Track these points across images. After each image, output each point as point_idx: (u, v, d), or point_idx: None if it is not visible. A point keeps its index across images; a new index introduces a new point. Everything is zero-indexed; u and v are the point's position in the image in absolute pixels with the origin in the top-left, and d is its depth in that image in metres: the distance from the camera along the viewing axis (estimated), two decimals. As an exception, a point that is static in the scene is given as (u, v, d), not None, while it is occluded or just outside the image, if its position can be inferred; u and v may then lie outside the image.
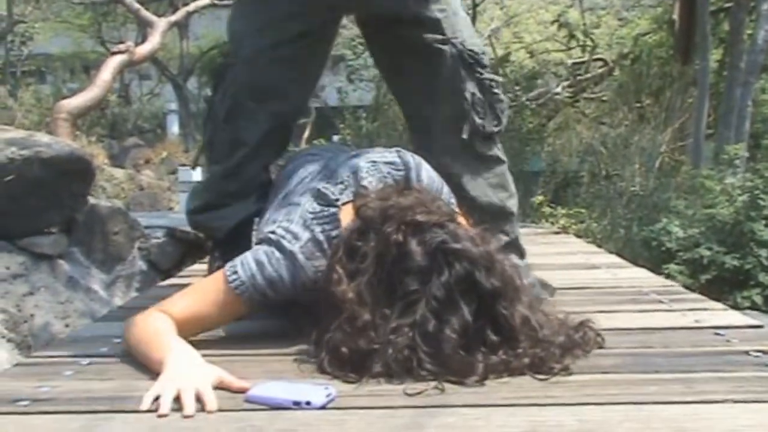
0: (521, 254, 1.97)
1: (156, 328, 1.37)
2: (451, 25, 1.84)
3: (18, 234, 2.90)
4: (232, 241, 1.88)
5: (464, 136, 1.85)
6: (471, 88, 1.84)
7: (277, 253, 1.45)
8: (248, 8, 1.90)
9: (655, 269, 4.34)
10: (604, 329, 1.58)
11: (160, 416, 1.09)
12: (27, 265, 2.85)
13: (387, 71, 2.06)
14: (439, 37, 1.81)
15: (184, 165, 7.25)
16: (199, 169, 6.43)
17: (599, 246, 4.12)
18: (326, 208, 1.47)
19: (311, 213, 1.48)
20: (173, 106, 11.20)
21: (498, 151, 1.95)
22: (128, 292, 3.35)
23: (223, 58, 2.08)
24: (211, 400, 1.12)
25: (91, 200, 3.30)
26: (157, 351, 1.29)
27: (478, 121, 1.85)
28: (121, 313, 1.89)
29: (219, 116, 1.93)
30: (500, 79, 1.96)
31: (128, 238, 3.47)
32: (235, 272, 1.45)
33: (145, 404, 1.12)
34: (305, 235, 1.45)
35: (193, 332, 1.43)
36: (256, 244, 1.57)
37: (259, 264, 1.45)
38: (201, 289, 1.50)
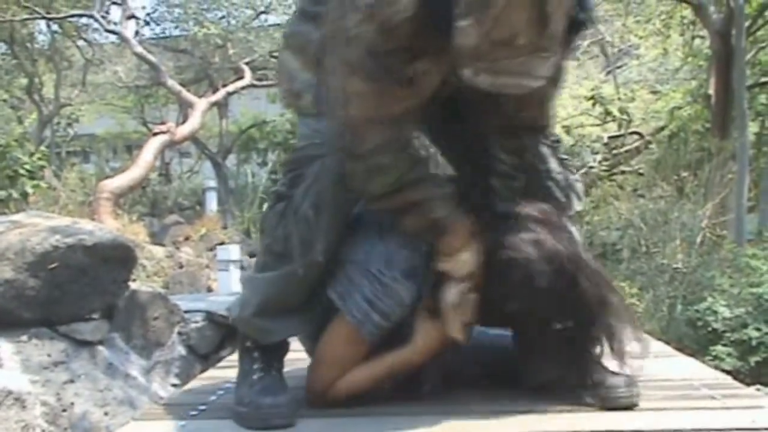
0: None
1: None
2: None
3: (60, 320, 2.93)
4: (278, 347, 1.74)
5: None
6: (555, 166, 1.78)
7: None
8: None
9: (702, 350, 4.22)
10: (656, 430, 1.54)
11: None
12: (68, 352, 2.87)
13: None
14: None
15: (222, 243, 7.32)
16: (237, 247, 6.48)
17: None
18: None
19: None
20: (212, 183, 11.36)
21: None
22: (167, 378, 3.35)
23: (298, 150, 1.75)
24: None
25: (132, 285, 3.33)
26: None
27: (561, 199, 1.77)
28: (159, 412, 1.87)
29: (301, 211, 1.65)
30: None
31: (168, 323, 3.49)
32: (360, 322, 1.61)
33: None
34: None
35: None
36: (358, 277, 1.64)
37: (370, 303, 1.60)
38: (330, 352, 1.67)
